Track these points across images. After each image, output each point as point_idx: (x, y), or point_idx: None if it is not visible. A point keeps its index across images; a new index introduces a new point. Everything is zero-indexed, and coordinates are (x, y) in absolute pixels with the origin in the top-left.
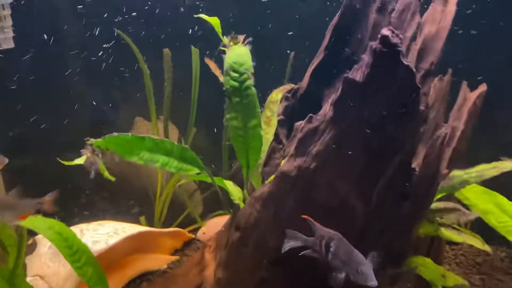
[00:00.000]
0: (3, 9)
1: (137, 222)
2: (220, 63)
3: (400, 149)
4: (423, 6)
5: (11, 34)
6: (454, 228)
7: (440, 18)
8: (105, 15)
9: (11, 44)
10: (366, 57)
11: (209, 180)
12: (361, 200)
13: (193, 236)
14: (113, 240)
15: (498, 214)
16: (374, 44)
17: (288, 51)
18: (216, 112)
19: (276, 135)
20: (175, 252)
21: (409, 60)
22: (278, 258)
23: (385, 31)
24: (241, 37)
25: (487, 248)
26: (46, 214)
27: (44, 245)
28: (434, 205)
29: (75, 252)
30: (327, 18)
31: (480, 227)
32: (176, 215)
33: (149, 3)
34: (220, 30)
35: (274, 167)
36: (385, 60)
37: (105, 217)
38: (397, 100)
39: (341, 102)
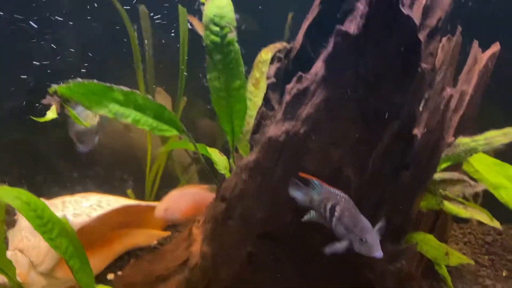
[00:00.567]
0: None
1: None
2: None
3: (398, 113)
4: None
5: None
6: (460, 203)
7: None
8: None
9: None
10: (361, 6)
11: (191, 147)
12: (356, 169)
13: None
14: (95, 213)
15: (510, 189)
16: None
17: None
18: None
19: (267, 100)
20: (167, 227)
21: (414, 15)
22: (266, 232)
23: None
24: None
25: (496, 224)
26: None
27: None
28: (438, 175)
29: (46, 223)
30: None
31: (491, 204)
32: (170, 189)
33: None
34: None
35: (264, 135)
36: (383, 9)
37: (98, 192)
38: (396, 55)
39: (333, 58)
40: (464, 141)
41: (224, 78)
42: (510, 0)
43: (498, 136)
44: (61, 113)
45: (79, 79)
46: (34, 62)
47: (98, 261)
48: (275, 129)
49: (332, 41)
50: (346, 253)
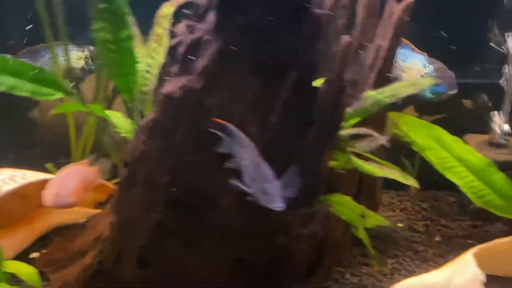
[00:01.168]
0: None
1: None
2: None
3: (295, 62)
4: None
5: None
6: (377, 162)
7: None
8: None
9: None
10: None
11: (82, 107)
12: (259, 127)
13: None
14: (8, 187)
15: (437, 150)
16: None
17: None
18: None
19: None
20: (98, 205)
21: None
22: (173, 198)
23: None
24: None
25: (412, 182)
26: None
27: None
28: (346, 131)
29: None
30: None
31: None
32: None
33: None
34: None
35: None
36: None
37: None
38: None
39: (224, 2)
40: (370, 94)
41: (111, 28)
42: None
43: (404, 87)
44: None
45: None
46: None
47: (17, 240)
48: (170, 85)
49: None
50: (258, 218)
